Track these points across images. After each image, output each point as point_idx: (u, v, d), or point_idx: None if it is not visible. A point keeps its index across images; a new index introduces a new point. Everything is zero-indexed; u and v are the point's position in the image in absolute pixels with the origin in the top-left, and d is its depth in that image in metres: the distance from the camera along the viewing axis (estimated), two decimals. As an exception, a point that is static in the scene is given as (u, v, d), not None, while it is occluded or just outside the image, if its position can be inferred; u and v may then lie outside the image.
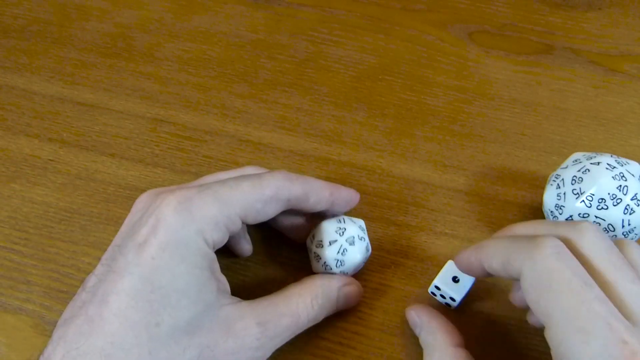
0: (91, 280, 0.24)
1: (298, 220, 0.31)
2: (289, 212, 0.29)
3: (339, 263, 0.29)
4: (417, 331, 0.28)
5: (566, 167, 0.30)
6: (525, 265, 0.22)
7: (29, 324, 0.29)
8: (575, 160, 0.30)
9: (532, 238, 0.23)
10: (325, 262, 0.29)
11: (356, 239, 0.29)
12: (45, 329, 0.29)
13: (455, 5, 0.48)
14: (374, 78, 0.42)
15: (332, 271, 0.29)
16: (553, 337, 0.21)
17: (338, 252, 0.29)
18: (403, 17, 0.47)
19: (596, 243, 0.23)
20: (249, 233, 0.32)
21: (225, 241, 0.26)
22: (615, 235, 0.28)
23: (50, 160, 0.37)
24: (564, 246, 0.22)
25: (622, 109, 0.40)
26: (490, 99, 0.41)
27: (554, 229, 0.24)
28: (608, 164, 0.29)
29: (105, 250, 0.26)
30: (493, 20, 0.47)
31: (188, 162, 0.37)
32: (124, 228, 0.26)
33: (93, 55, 0.43)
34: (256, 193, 0.26)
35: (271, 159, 0.37)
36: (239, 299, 0.26)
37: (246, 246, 0.31)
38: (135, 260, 0.23)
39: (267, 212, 0.27)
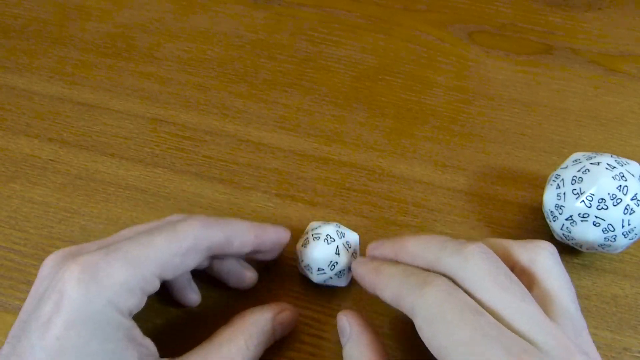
0: None
1: (234, 266, 0.29)
2: (223, 258, 0.28)
3: (328, 279, 0.29)
4: (343, 340, 0.26)
5: (566, 167, 0.30)
6: (417, 304, 0.22)
7: (29, 324, 0.29)
8: (575, 160, 0.30)
9: (425, 276, 0.23)
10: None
11: (346, 270, 0.29)
12: None
13: (455, 5, 0.48)
14: (374, 78, 0.42)
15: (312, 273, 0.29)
16: None
17: (325, 280, 0.29)
18: (403, 17, 0.47)
19: (481, 267, 0.23)
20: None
21: (143, 304, 0.24)
22: (615, 236, 0.28)
23: (50, 160, 0.37)
24: (451, 283, 0.23)
25: (622, 109, 0.40)
26: (490, 99, 0.41)
27: (442, 249, 0.24)
28: (608, 164, 0.29)
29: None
30: (493, 20, 0.47)
31: (188, 162, 0.37)
32: (29, 300, 0.24)
33: (93, 55, 0.43)
34: (172, 247, 0.24)
35: (271, 159, 0.37)
36: (167, 359, 0.24)
37: (193, 296, 0.29)
38: (40, 343, 0.21)
39: (186, 264, 0.25)
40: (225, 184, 0.35)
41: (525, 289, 0.23)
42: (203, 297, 0.30)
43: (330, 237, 0.29)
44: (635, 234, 0.29)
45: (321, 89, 0.41)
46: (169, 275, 0.24)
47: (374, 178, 0.36)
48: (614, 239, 0.28)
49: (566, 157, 0.37)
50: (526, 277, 0.24)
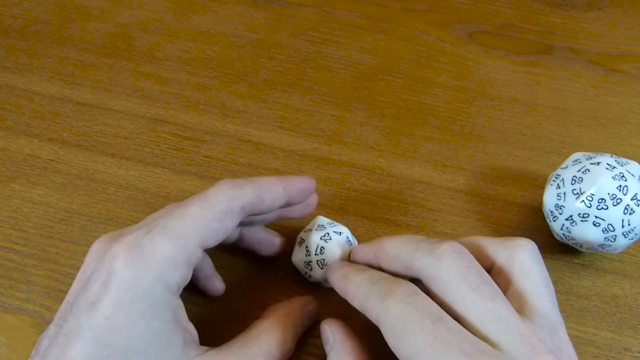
0: (44, 342, 0.23)
1: (264, 234, 0.30)
2: (253, 226, 0.29)
3: (319, 250, 0.29)
4: (327, 348, 0.26)
5: (566, 167, 0.30)
6: (380, 316, 0.22)
7: (29, 324, 0.29)
8: (575, 160, 0.30)
9: (387, 285, 0.23)
10: (306, 247, 0.29)
11: (343, 237, 0.29)
12: (45, 329, 0.29)
13: (455, 5, 0.48)
14: (374, 78, 0.42)
15: (307, 262, 0.29)
16: None
17: (322, 238, 0.29)
18: (403, 17, 0.47)
19: (452, 267, 0.23)
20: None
21: (190, 277, 0.24)
22: (615, 236, 0.28)
23: (50, 160, 0.37)
24: (414, 288, 0.23)
25: (622, 109, 0.40)
26: (490, 99, 0.41)
27: (417, 249, 0.24)
28: (608, 164, 0.29)
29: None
30: (493, 20, 0.47)
31: (188, 162, 0.37)
32: (76, 283, 0.24)
33: (93, 55, 0.43)
34: (208, 213, 0.24)
35: (271, 159, 0.37)
36: (206, 348, 0.24)
37: (218, 284, 0.30)
38: (88, 323, 0.21)
39: (225, 229, 0.25)
40: (225, 184, 0.35)
41: (497, 288, 0.23)
42: (197, 304, 0.30)
43: (328, 236, 0.29)
44: (635, 234, 0.29)
45: (321, 89, 0.41)
46: (210, 242, 0.24)
47: (374, 178, 0.36)
48: (614, 239, 0.28)
49: (566, 157, 0.37)
50: (503, 276, 0.25)
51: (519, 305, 0.23)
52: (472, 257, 0.23)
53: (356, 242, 0.30)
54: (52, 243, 0.32)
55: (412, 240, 0.25)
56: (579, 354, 0.29)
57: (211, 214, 0.24)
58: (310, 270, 0.29)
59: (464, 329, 0.21)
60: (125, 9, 0.47)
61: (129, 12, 0.47)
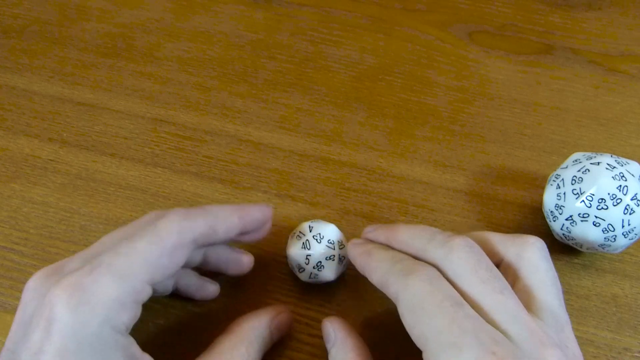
0: None
1: (230, 253, 0.29)
2: (217, 247, 0.28)
3: (313, 276, 0.29)
4: (328, 346, 0.26)
5: (566, 167, 0.30)
6: (400, 292, 0.23)
7: (29, 324, 0.29)
8: (575, 160, 0.30)
9: (411, 264, 0.24)
10: (309, 254, 0.29)
11: (324, 262, 0.29)
12: None
13: (455, 5, 0.48)
14: (374, 78, 0.42)
15: (300, 261, 0.29)
16: (429, 358, 0.21)
17: (309, 277, 0.29)
18: (403, 17, 0.47)
19: (464, 260, 0.23)
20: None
21: (139, 315, 0.23)
22: (615, 236, 0.28)
23: (50, 160, 0.37)
24: (436, 272, 0.23)
25: (622, 109, 0.40)
26: (490, 99, 0.41)
27: (430, 240, 0.25)
28: (608, 164, 0.29)
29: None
30: (493, 20, 0.47)
31: (188, 162, 0.37)
32: (14, 328, 0.22)
33: (93, 55, 0.43)
34: (157, 248, 0.23)
35: (271, 159, 0.37)
36: None
37: (211, 288, 0.29)
38: None
39: (176, 263, 0.24)
40: (225, 184, 0.35)
41: (506, 283, 0.23)
42: (197, 304, 0.30)
43: (301, 233, 0.29)
44: (635, 234, 0.29)
45: (321, 89, 0.41)
46: (159, 278, 0.23)
47: (374, 178, 0.36)
48: (614, 239, 0.28)
49: (566, 157, 0.37)
50: (512, 272, 0.25)
51: (526, 301, 0.23)
52: (482, 252, 0.24)
53: (322, 224, 0.30)
54: (52, 243, 0.32)
55: (427, 231, 0.26)
56: (579, 354, 0.29)
57: (160, 249, 0.23)
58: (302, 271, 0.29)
59: (481, 318, 0.21)
60: (125, 9, 0.47)
61: (129, 12, 0.47)
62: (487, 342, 0.20)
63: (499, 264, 0.26)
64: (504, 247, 0.25)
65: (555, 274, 0.25)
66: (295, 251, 0.29)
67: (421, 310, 0.22)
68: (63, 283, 0.21)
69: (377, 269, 0.25)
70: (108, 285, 0.21)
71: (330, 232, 0.29)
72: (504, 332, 0.21)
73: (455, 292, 0.22)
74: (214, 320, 0.29)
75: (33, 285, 0.23)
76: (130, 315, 0.22)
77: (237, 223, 0.26)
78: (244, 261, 0.29)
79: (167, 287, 0.28)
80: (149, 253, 0.23)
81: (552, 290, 0.24)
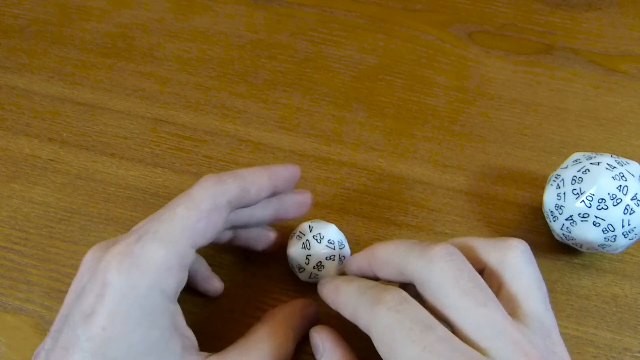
0: (40, 356, 0.22)
1: (258, 229, 0.30)
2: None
3: (313, 276, 0.29)
4: (317, 356, 0.26)
5: (566, 167, 0.30)
6: (370, 324, 0.22)
7: (29, 324, 0.29)
8: (575, 160, 0.30)
9: (376, 293, 0.23)
10: (309, 255, 0.29)
11: (325, 262, 0.29)
12: (45, 329, 0.29)
13: (455, 5, 0.48)
14: (374, 78, 0.42)
15: (299, 263, 0.29)
16: None
17: (310, 277, 0.29)
18: (403, 17, 0.47)
19: (444, 270, 0.22)
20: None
21: (186, 280, 0.24)
22: (615, 236, 0.28)
23: (50, 160, 0.37)
24: (404, 294, 0.22)
25: (622, 109, 0.40)
26: (490, 99, 0.41)
27: (409, 253, 0.24)
28: (608, 164, 0.29)
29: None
30: (493, 20, 0.47)
31: (188, 162, 0.37)
32: (70, 295, 0.24)
33: (93, 55, 0.43)
34: (194, 213, 0.24)
35: (271, 159, 0.37)
36: (206, 354, 0.24)
37: (217, 283, 0.30)
38: (85, 334, 0.21)
39: (214, 226, 0.24)
40: (225, 184, 0.35)
41: (490, 292, 0.22)
42: (196, 304, 0.30)
43: (301, 233, 0.29)
44: (635, 234, 0.29)
45: (321, 89, 0.41)
46: (201, 241, 0.24)
47: (374, 178, 0.36)
48: (614, 239, 0.28)
49: (566, 157, 0.37)
50: (495, 278, 0.24)
51: (511, 307, 0.23)
52: (464, 259, 0.23)
53: (321, 223, 0.30)
54: (52, 243, 0.32)
55: (404, 244, 0.25)
56: (578, 353, 0.29)
57: (197, 213, 0.24)
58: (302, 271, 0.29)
59: (454, 337, 0.21)
60: (125, 9, 0.47)
61: (129, 12, 0.47)
62: None
63: (483, 270, 0.25)
64: (487, 252, 0.25)
65: (540, 276, 0.25)
66: (295, 251, 0.29)
67: (392, 341, 0.21)
68: (114, 251, 0.22)
69: (346, 304, 0.24)
70: (155, 251, 0.22)
71: (330, 232, 0.29)
72: (486, 349, 0.21)
73: (426, 313, 0.22)
74: (214, 321, 0.29)
75: (89, 257, 0.24)
76: (177, 279, 0.23)
77: (267, 183, 0.26)
78: (271, 235, 0.30)
79: (224, 237, 0.29)
80: (187, 218, 0.24)
81: (537, 295, 0.24)
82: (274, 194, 0.28)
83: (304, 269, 0.29)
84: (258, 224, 0.29)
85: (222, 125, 0.39)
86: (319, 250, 0.29)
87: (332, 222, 0.30)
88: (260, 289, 0.31)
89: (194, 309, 0.30)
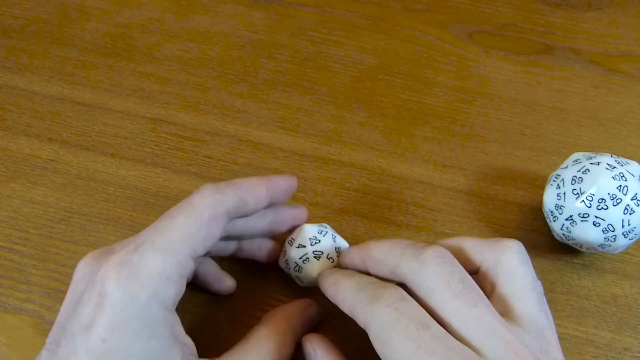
0: None
1: (262, 241, 0.30)
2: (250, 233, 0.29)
3: (297, 268, 0.28)
4: None
5: (566, 167, 0.30)
6: (367, 321, 0.22)
7: (29, 324, 0.29)
8: (575, 160, 0.30)
9: (374, 290, 0.23)
10: (287, 260, 0.29)
11: (324, 256, 0.28)
12: (45, 329, 0.29)
13: (455, 5, 0.48)
14: (374, 78, 0.42)
15: (289, 271, 0.29)
16: None
17: (300, 257, 0.28)
18: (403, 17, 0.47)
19: (436, 273, 0.23)
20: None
21: (184, 290, 0.24)
22: (615, 236, 0.28)
23: (50, 160, 0.37)
24: (401, 292, 0.23)
25: (622, 109, 0.40)
26: (490, 99, 0.41)
27: (402, 255, 0.24)
28: (608, 164, 0.29)
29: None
30: (493, 20, 0.47)
31: (188, 162, 0.37)
32: (66, 305, 0.24)
33: (93, 55, 0.43)
34: (194, 222, 0.24)
35: (271, 159, 0.37)
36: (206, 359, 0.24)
37: (229, 282, 0.30)
38: (84, 346, 0.21)
39: (213, 235, 0.24)
40: (225, 184, 0.35)
41: (481, 293, 0.23)
42: (198, 305, 0.30)
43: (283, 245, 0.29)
44: (635, 234, 0.29)
45: (321, 89, 0.41)
46: (200, 250, 0.24)
47: (374, 178, 0.36)
48: (614, 239, 0.28)
49: (566, 157, 0.37)
50: (489, 278, 0.25)
51: (504, 308, 0.23)
52: (456, 262, 0.23)
53: (322, 236, 0.30)
54: (52, 243, 0.32)
55: (398, 245, 0.25)
56: (578, 354, 0.29)
57: (198, 222, 0.24)
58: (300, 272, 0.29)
59: (449, 336, 0.21)
60: (125, 9, 0.47)
61: (129, 12, 0.47)
62: None
63: (477, 270, 0.25)
64: (481, 253, 0.25)
65: (534, 276, 0.25)
66: (280, 262, 0.30)
67: (388, 338, 0.21)
68: (112, 261, 0.22)
69: (344, 299, 0.24)
70: (153, 260, 0.22)
71: (302, 233, 0.29)
72: (478, 348, 0.21)
73: (423, 312, 0.22)
74: (213, 322, 0.29)
75: (83, 265, 0.24)
76: (176, 289, 0.23)
77: (264, 193, 0.26)
78: (277, 248, 0.30)
79: (228, 249, 0.29)
80: (188, 227, 0.23)
81: (531, 295, 0.24)
82: (271, 205, 0.28)
83: (292, 275, 0.29)
84: (252, 236, 0.29)
85: (222, 125, 0.39)
86: (293, 254, 0.29)
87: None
88: (262, 289, 0.31)
89: (194, 308, 0.30)
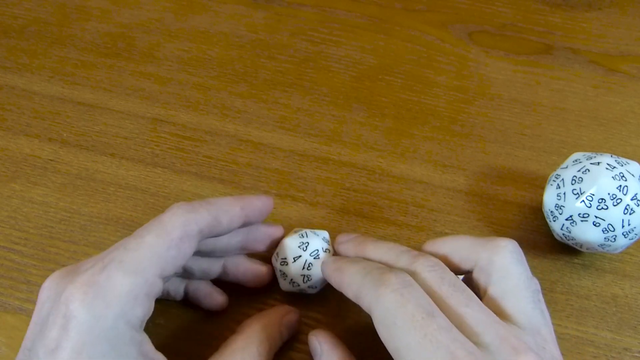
0: None
1: (248, 264, 0.29)
2: (236, 258, 0.29)
3: (305, 278, 0.28)
4: (315, 359, 0.26)
5: (566, 167, 0.30)
6: (372, 306, 0.23)
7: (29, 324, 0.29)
8: (575, 160, 0.30)
9: (380, 274, 0.23)
10: (292, 279, 0.28)
11: (321, 252, 0.28)
12: (45, 329, 0.29)
13: (455, 5, 0.48)
14: (374, 78, 0.42)
15: (299, 287, 0.29)
16: None
17: (303, 267, 0.28)
18: (403, 17, 0.47)
19: (427, 279, 0.23)
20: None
21: (152, 310, 0.23)
22: (615, 236, 0.28)
23: (50, 160, 0.37)
24: (408, 277, 0.23)
25: (622, 109, 0.40)
26: (490, 99, 0.41)
27: (396, 261, 0.25)
28: (608, 164, 0.29)
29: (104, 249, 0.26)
30: (493, 20, 0.47)
31: (188, 162, 0.37)
32: (32, 327, 0.23)
33: (93, 55, 0.43)
34: (164, 241, 0.23)
35: (271, 159, 0.37)
36: None
37: (220, 298, 0.29)
38: None
39: (184, 254, 0.24)
40: (225, 184, 0.35)
41: (472, 294, 0.23)
42: (195, 307, 0.30)
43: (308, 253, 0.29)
44: (635, 234, 0.29)
45: (321, 89, 0.41)
46: (169, 270, 0.23)
47: (374, 178, 0.36)
48: (614, 239, 0.28)
49: (566, 157, 0.37)
50: (484, 277, 0.25)
51: (498, 307, 0.23)
52: (446, 269, 0.24)
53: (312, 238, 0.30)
54: (52, 243, 0.32)
55: (394, 250, 0.25)
56: (578, 354, 0.29)
57: (167, 242, 0.23)
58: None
59: (454, 327, 0.21)
60: (125, 9, 0.47)
61: (129, 12, 0.47)
62: (459, 354, 0.20)
63: (472, 269, 0.25)
64: (476, 252, 0.25)
65: (529, 275, 0.25)
66: (284, 287, 0.29)
67: (393, 325, 0.21)
68: (77, 281, 0.22)
69: (350, 284, 0.24)
70: (120, 281, 0.22)
71: (289, 246, 0.29)
72: (475, 345, 0.21)
73: (428, 299, 0.22)
74: (212, 324, 0.29)
75: (48, 285, 0.23)
76: (143, 309, 0.22)
77: (239, 213, 0.26)
78: (262, 271, 0.29)
79: (179, 290, 0.29)
80: (157, 246, 0.23)
81: (525, 294, 0.24)
82: (245, 225, 0.27)
83: (304, 290, 0.29)
84: (224, 252, 0.29)
85: (222, 125, 0.39)
86: (294, 271, 0.28)
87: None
88: (261, 290, 0.31)
89: (193, 311, 0.30)
